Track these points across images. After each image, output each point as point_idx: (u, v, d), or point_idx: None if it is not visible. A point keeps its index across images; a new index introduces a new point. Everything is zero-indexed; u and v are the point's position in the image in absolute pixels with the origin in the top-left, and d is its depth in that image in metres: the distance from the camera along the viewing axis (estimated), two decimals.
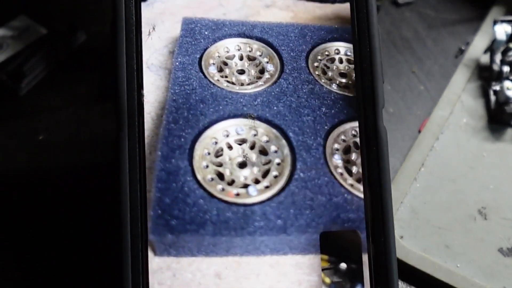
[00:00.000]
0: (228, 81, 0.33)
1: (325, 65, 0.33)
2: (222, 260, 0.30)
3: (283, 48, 0.33)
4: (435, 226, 0.39)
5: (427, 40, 0.51)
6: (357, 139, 0.31)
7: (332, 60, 0.33)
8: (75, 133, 0.44)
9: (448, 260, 0.37)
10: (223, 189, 0.30)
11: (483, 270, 0.37)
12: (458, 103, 0.45)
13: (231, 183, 0.31)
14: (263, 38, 0.34)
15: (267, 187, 0.31)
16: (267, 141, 0.31)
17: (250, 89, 0.32)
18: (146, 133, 0.30)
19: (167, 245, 0.29)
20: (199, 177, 0.30)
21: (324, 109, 0.32)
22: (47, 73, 0.47)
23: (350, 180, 0.31)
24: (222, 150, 0.31)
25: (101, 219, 0.38)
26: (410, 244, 0.38)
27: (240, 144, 0.32)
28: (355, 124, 0.31)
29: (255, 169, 0.31)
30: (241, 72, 0.33)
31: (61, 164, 0.42)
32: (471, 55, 0.48)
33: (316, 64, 0.33)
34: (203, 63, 0.33)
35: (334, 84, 0.32)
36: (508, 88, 0.43)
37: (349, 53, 0.33)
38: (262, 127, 0.32)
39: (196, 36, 0.33)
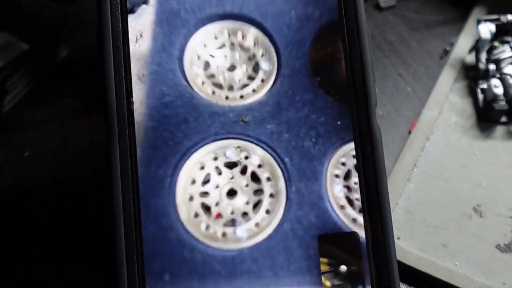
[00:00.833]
0: (215, 84, 0.30)
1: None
2: None
3: (281, 36, 0.30)
4: (431, 225, 0.38)
5: (412, 42, 0.51)
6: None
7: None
8: (61, 147, 0.43)
9: (446, 259, 0.37)
10: (207, 227, 0.29)
11: (481, 267, 0.37)
12: (446, 103, 0.45)
13: (218, 216, 0.29)
14: (258, 21, 0.30)
15: (257, 224, 0.29)
16: (260, 166, 0.29)
17: (240, 101, 0.30)
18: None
19: None
20: (182, 216, 0.28)
21: (326, 127, 0.29)
22: (30, 88, 0.46)
23: (353, 214, 0.29)
24: (209, 175, 0.29)
25: (92, 232, 0.37)
26: (407, 245, 0.37)
27: (230, 168, 0.29)
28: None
29: (245, 198, 0.29)
30: (232, 68, 0.30)
31: (48, 179, 0.41)
32: (456, 55, 0.48)
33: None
34: (184, 60, 0.30)
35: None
36: (495, 86, 0.43)
37: None
38: (254, 150, 0.29)
39: (174, 21, 0.30)
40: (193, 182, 0.29)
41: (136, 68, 0.29)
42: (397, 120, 0.45)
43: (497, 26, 0.46)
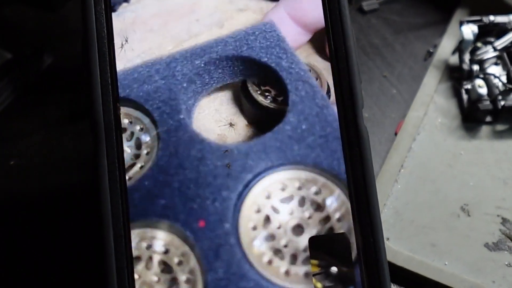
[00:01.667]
0: None
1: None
2: None
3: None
4: (420, 226, 0.39)
5: (395, 45, 0.52)
6: (279, 193, 0.28)
7: None
8: (47, 156, 0.42)
9: (436, 258, 0.37)
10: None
11: (470, 266, 0.37)
12: (432, 104, 0.46)
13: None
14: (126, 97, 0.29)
15: None
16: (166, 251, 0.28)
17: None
18: None
19: None
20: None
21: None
22: (14, 98, 0.46)
23: (284, 265, 0.28)
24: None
25: (80, 242, 0.37)
26: (397, 245, 0.38)
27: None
28: (275, 176, 0.29)
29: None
30: None
31: (35, 188, 0.40)
32: (440, 57, 0.49)
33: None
34: None
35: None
36: (479, 86, 0.44)
37: None
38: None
39: None
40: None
41: None
42: (383, 122, 0.46)
43: (479, 27, 0.46)
